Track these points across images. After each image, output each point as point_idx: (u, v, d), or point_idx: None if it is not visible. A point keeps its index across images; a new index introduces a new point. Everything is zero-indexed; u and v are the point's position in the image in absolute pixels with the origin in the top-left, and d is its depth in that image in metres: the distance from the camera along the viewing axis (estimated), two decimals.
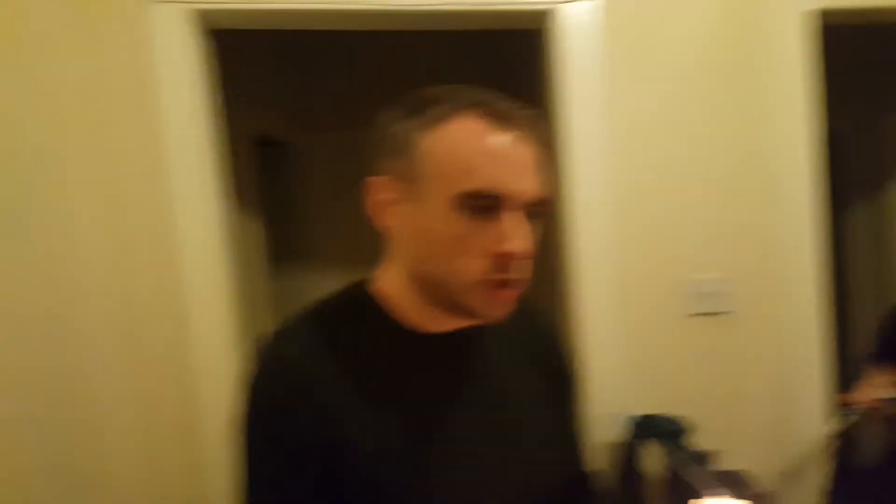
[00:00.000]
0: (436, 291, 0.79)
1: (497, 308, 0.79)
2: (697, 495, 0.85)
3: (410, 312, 0.83)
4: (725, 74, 1.76)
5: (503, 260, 0.75)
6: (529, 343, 0.95)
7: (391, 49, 3.55)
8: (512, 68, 3.28)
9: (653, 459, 1.63)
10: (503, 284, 0.77)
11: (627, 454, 1.63)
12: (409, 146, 0.76)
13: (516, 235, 0.74)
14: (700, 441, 1.62)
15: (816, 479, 1.77)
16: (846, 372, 2.71)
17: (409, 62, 3.59)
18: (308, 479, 0.77)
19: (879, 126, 2.84)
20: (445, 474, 0.80)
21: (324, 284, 3.14)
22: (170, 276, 1.72)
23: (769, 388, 1.81)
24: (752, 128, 1.77)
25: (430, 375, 0.83)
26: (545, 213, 0.80)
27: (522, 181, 0.75)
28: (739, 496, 0.81)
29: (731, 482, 1.50)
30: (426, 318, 0.83)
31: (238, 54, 2.23)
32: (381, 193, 0.80)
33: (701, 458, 1.56)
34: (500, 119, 0.75)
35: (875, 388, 1.63)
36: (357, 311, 0.85)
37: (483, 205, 0.74)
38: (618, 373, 1.77)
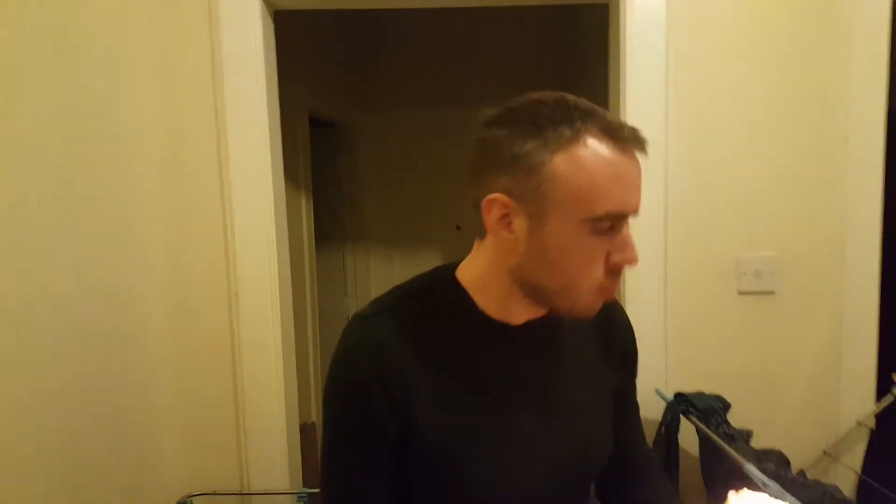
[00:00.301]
0: (542, 296, 0.86)
1: (595, 308, 0.87)
2: (735, 473, 0.87)
3: (492, 304, 0.90)
4: (790, 53, 1.74)
5: (617, 269, 0.83)
6: (602, 330, 1.02)
7: (449, 28, 3.54)
8: (575, 46, 3.26)
9: (693, 437, 1.65)
10: (607, 290, 0.84)
11: (668, 432, 1.66)
12: (534, 169, 0.79)
13: (631, 247, 0.82)
14: (742, 420, 1.64)
15: (858, 460, 1.76)
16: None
17: (467, 41, 3.60)
18: (382, 453, 0.86)
19: None
20: (506, 452, 0.88)
21: (371, 265, 3.27)
22: (222, 250, 1.81)
23: (815, 368, 1.80)
24: (817, 109, 1.75)
25: (503, 361, 0.91)
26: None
27: (637, 198, 0.82)
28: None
29: (770, 460, 1.52)
30: (507, 311, 0.90)
31: (296, 33, 2.28)
32: (499, 210, 0.83)
33: (741, 436, 1.58)
34: (621, 140, 0.79)
35: None
36: (442, 297, 0.92)
37: (610, 224, 0.80)
38: (662, 349, 1.80)
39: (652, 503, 1.06)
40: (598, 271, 0.82)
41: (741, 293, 1.79)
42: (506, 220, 0.83)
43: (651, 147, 1.70)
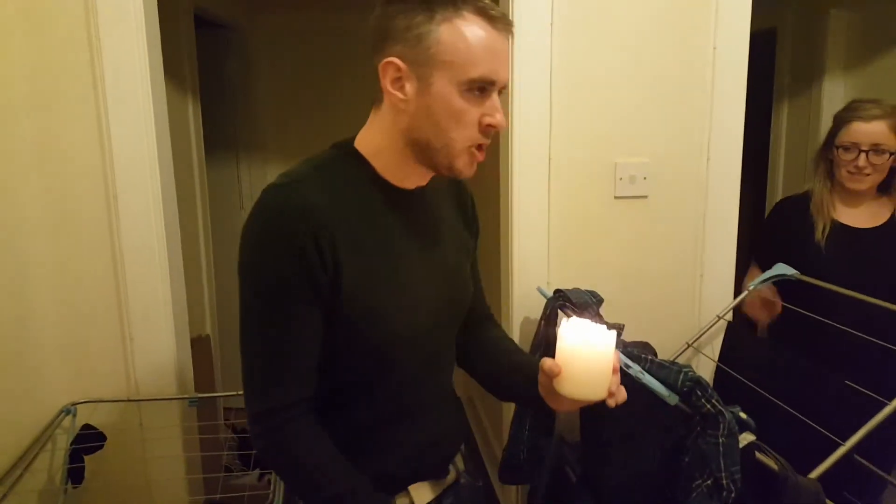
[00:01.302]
0: (428, 154, 1.00)
1: (472, 168, 1.02)
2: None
3: (388, 169, 1.05)
4: None
5: (489, 129, 0.98)
6: (454, 196, 1.22)
7: None
8: None
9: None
10: (481, 149, 1.00)
11: (546, 325, 1.75)
12: (424, 36, 0.94)
13: (499, 111, 0.98)
14: (615, 315, 1.75)
15: (717, 351, 1.93)
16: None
17: None
18: (315, 299, 0.96)
19: (816, 23, 2.90)
20: (407, 292, 1.05)
21: (268, 177, 3.20)
22: (98, 149, 1.74)
23: (681, 267, 1.94)
24: (688, 22, 1.82)
25: (399, 219, 1.06)
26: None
27: (505, 71, 0.98)
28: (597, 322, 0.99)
29: (638, 347, 1.65)
30: (403, 177, 1.06)
31: None
32: (393, 72, 0.97)
33: (613, 328, 1.69)
34: (493, 18, 0.95)
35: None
36: (347, 165, 1.04)
37: (480, 87, 0.95)
38: (545, 250, 1.89)
39: (503, 338, 1.31)
40: (473, 130, 0.98)
41: (617, 198, 1.89)
42: (399, 83, 0.97)
43: (536, 58, 1.77)
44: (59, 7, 1.66)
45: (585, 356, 0.97)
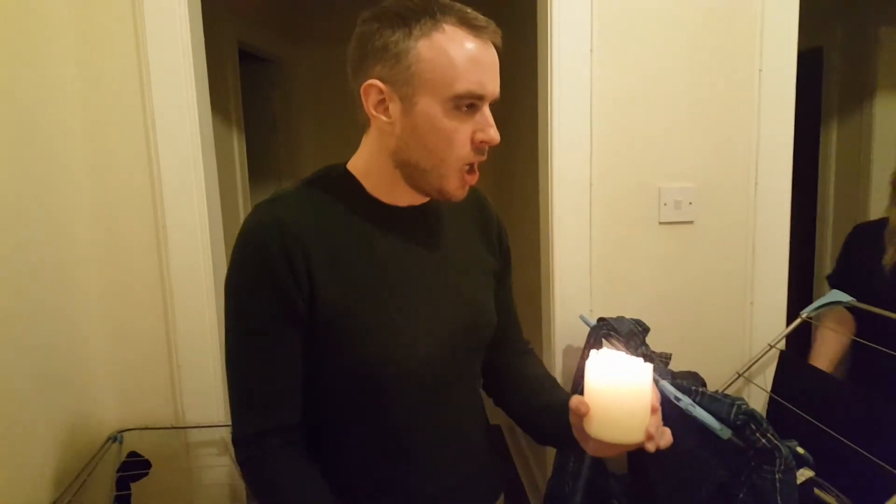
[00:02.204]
0: (417, 176, 0.95)
1: (464, 190, 0.97)
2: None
3: (379, 189, 1.00)
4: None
5: (482, 146, 0.93)
6: (475, 219, 1.13)
7: None
8: None
9: None
10: (473, 170, 0.95)
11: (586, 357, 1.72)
12: (403, 55, 0.89)
13: (492, 126, 0.92)
14: (662, 344, 1.71)
15: (769, 381, 1.86)
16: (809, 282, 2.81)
17: None
18: (290, 318, 0.92)
19: (864, 41, 2.84)
20: (399, 313, 0.97)
21: None
22: (148, 180, 1.77)
23: (730, 294, 1.89)
24: (734, 45, 1.80)
25: (392, 238, 0.99)
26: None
27: (494, 83, 0.92)
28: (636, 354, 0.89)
29: (685, 378, 1.60)
30: (392, 194, 1.00)
31: None
32: (376, 95, 0.92)
33: (660, 358, 1.65)
34: (476, 28, 0.89)
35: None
36: (336, 184, 1.00)
37: (468, 103, 0.90)
38: (587, 277, 1.85)
39: (541, 375, 1.18)
40: (465, 149, 0.92)
41: (661, 223, 1.85)
42: (382, 105, 0.93)
43: (577, 82, 1.76)
44: (111, 43, 1.71)
45: (615, 393, 0.86)
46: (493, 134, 0.92)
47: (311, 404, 0.98)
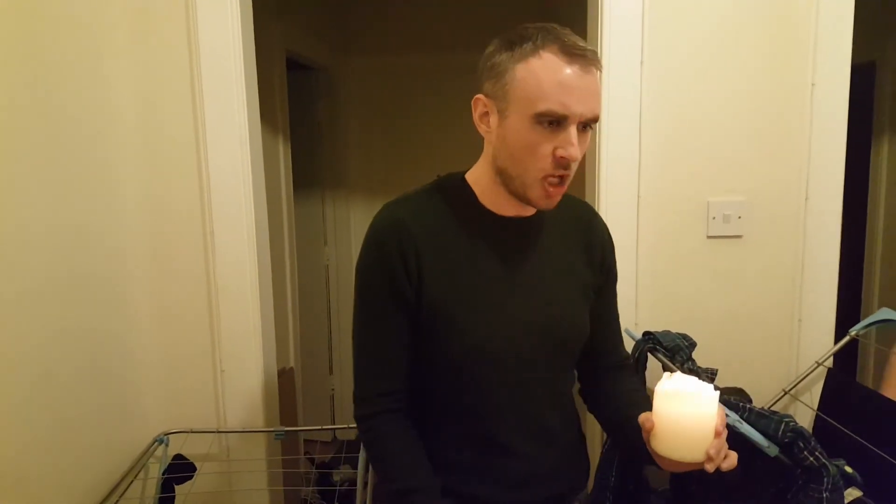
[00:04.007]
0: (509, 182, 1.07)
1: (548, 200, 1.06)
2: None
3: (489, 198, 1.13)
4: (760, 4, 1.76)
5: (562, 161, 1.01)
6: (581, 236, 1.23)
7: None
8: None
9: (660, 375, 1.70)
10: (558, 182, 1.04)
11: (636, 368, 1.71)
12: (503, 74, 1.02)
13: (572, 144, 1.00)
14: (707, 359, 1.69)
15: (816, 398, 1.82)
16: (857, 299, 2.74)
17: None
18: (401, 312, 1.09)
19: None
20: (489, 311, 1.10)
21: (351, 213, 3.26)
22: (197, 188, 1.82)
23: (778, 310, 1.85)
24: (786, 57, 1.77)
25: (495, 245, 1.12)
26: (592, 125, 1.05)
27: (581, 104, 0.99)
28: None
29: (732, 393, 1.58)
30: (500, 203, 1.13)
31: None
32: (481, 107, 1.08)
33: (706, 373, 1.63)
34: (573, 56, 0.98)
35: None
36: (452, 191, 1.15)
37: (550, 121, 0.99)
38: (633, 291, 1.85)
39: (632, 390, 1.27)
40: (545, 162, 1.02)
41: (710, 237, 1.83)
42: (486, 117, 1.08)
43: (625, 94, 1.76)
44: (165, 55, 1.77)
45: (679, 414, 0.95)
46: (573, 151, 1.00)
47: (411, 393, 1.15)
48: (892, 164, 2.99)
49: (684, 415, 0.94)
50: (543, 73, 0.99)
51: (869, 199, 3.10)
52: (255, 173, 1.85)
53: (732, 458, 0.97)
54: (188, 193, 1.81)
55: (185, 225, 1.83)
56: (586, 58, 1.00)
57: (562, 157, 1.01)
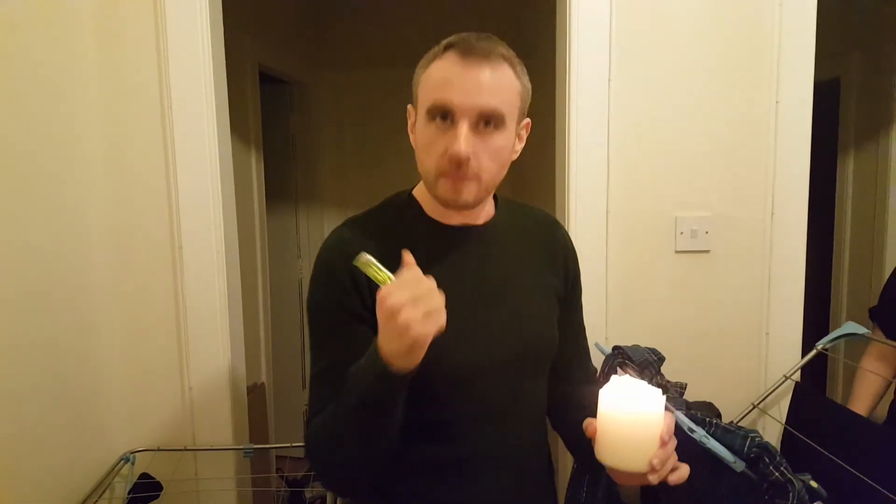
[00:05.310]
0: (426, 187, 1.06)
1: (455, 194, 1.01)
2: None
3: (434, 209, 1.09)
4: (725, 23, 1.80)
5: (451, 158, 0.97)
6: (543, 243, 1.20)
7: None
8: (525, 6, 3.26)
9: None
10: (456, 177, 0.99)
11: (605, 383, 1.71)
12: (417, 80, 1.05)
13: (457, 139, 0.96)
14: (677, 374, 1.70)
15: (784, 412, 1.84)
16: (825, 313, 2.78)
17: (422, 5, 3.56)
18: (354, 329, 1.02)
19: (882, 72, 2.84)
20: (455, 331, 0.95)
21: (325, 227, 3.24)
22: (165, 200, 1.79)
23: (746, 325, 1.87)
24: (751, 76, 1.80)
25: (447, 256, 1.08)
26: (497, 122, 1.00)
27: (462, 96, 0.96)
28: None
29: (700, 408, 1.59)
30: (443, 213, 1.09)
31: None
32: (410, 116, 1.08)
33: (675, 388, 1.64)
34: (468, 53, 0.97)
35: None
36: (399, 207, 1.13)
37: (441, 116, 0.98)
38: (603, 305, 1.86)
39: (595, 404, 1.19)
40: (440, 160, 0.99)
41: (678, 252, 1.85)
42: (414, 125, 1.07)
43: (594, 110, 1.77)
44: (132, 66, 1.75)
45: (620, 420, 0.87)
46: (456, 147, 0.96)
47: None
48: (857, 179, 3.05)
49: (626, 419, 0.86)
50: (437, 71, 1.00)
51: (836, 213, 3.16)
52: (224, 188, 1.83)
53: (683, 471, 0.90)
54: (156, 208, 1.79)
55: (152, 240, 1.80)
56: (480, 54, 0.98)
57: (450, 153, 0.97)
